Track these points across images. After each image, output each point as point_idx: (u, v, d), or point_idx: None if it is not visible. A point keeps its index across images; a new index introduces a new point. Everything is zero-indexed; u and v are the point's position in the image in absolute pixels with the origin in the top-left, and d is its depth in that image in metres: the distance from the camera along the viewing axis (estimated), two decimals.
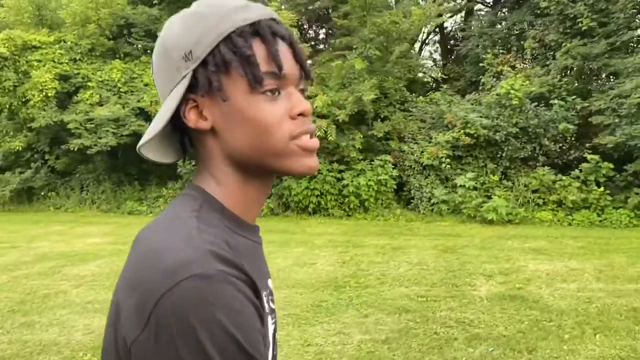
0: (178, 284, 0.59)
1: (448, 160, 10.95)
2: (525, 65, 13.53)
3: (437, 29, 18.14)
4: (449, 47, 19.00)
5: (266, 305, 0.71)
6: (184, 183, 13.66)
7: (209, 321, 0.58)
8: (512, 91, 10.55)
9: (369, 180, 11.14)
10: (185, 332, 0.58)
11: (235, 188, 0.75)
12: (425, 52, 20.30)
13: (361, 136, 11.05)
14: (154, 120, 0.74)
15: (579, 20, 11.75)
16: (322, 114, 10.57)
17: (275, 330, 0.79)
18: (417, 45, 17.82)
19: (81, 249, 8.65)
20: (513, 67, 13.63)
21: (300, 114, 0.73)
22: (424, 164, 11.25)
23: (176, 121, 0.74)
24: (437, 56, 20.68)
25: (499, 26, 15.33)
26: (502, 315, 4.88)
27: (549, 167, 10.86)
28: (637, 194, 9.76)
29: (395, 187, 11.51)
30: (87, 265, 7.36)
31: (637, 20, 9.93)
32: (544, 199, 10.56)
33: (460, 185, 10.60)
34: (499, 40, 14.76)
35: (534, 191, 10.71)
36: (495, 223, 10.06)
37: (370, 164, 11.41)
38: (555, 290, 5.64)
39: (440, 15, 12.94)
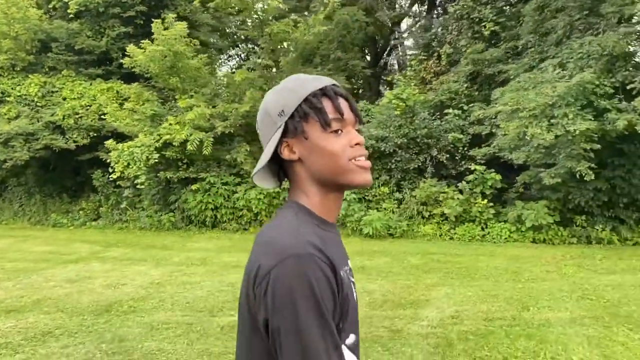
0: (282, 261, 0.93)
1: None
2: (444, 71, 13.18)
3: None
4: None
5: (346, 278, 1.02)
6: (101, 196, 13.74)
7: (300, 286, 0.91)
8: (394, 101, 10.24)
9: (259, 193, 10.97)
10: (284, 292, 0.91)
11: (319, 199, 1.08)
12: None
13: (247, 149, 10.87)
14: (260, 159, 1.10)
15: (483, 24, 11.39)
16: (200, 126, 10.44)
17: (356, 296, 1.10)
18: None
19: None
20: (436, 74, 13.34)
21: (357, 144, 1.07)
22: None
23: (275, 158, 1.11)
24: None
25: (427, 33, 14.97)
26: None
27: (438, 179, 10.52)
28: (522, 207, 9.31)
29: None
30: None
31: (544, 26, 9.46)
32: (430, 211, 10.22)
33: (343, 199, 10.32)
34: (423, 47, 14.41)
35: (422, 204, 10.37)
36: (375, 237, 9.80)
37: None
38: None
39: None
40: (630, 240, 8.73)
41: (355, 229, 10.13)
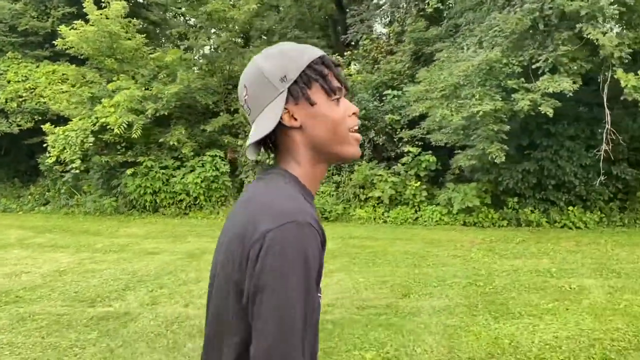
0: (282, 225, 0.88)
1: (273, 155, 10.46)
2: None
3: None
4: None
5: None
6: (48, 181, 13.54)
7: (296, 254, 0.87)
8: None
9: (197, 177, 10.79)
10: (279, 257, 0.87)
11: (309, 168, 1.05)
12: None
13: (182, 131, 10.64)
14: (259, 126, 1.02)
15: (427, 1, 11.08)
16: (134, 108, 10.19)
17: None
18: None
19: None
20: (387, 54, 13.04)
21: (354, 114, 1.07)
22: (255, 160, 10.81)
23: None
24: None
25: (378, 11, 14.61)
26: None
27: (378, 162, 10.33)
28: (453, 190, 9.14)
29: (229, 183, 11.14)
30: None
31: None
32: (367, 195, 10.05)
33: None
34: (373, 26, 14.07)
35: (360, 187, 10.21)
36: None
37: (202, 161, 11.04)
38: None
39: None
40: (559, 222, 8.59)
41: None
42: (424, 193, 9.54)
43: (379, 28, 14.39)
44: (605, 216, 8.66)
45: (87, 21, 10.96)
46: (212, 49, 11.24)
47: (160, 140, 10.68)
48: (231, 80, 12.03)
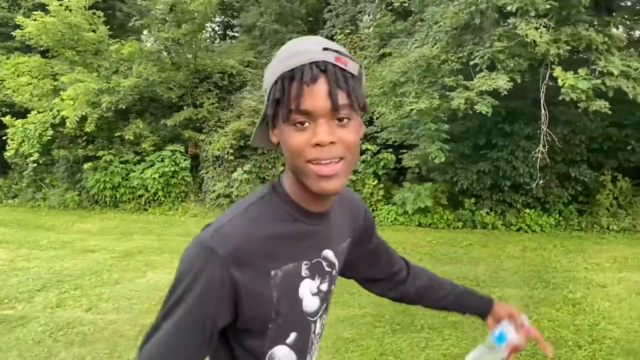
0: (192, 241, 0.93)
1: (231, 151, 10.26)
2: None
3: None
4: None
5: (288, 278, 0.98)
6: (16, 173, 13.41)
7: (185, 272, 0.90)
8: None
9: (155, 172, 10.59)
10: (178, 271, 0.92)
11: (297, 185, 0.97)
12: None
13: (140, 126, 10.44)
14: (256, 133, 1.04)
15: None
16: (90, 101, 9.99)
17: (321, 288, 1.08)
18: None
19: None
20: (361, 49, 12.74)
21: (317, 144, 0.89)
22: (215, 156, 10.60)
23: None
24: None
25: (356, 6, 14.26)
26: None
27: None
28: (408, 189, 8.87)
29: (189, 179, 10.94)
30: None
31: None
32: None
33: (234, 179, 9.94)
34: (350, 20, 13.74)
35: None
36: None
37: (161, 155, 10.83)
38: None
39: None
40: (515, 225, 8.30)
41: None
42: (381, 192, 9.28)
43: (360, 23, 14.05)
44: (563, 219, 8.35)
45: (47, 12, 10.76)
46: (175, 42, 10.98)
47: (119, 134, 10.48)
48: (197, 74, 11.82)
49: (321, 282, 1.07)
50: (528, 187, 8.23)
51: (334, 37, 13.32)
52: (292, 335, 1.03)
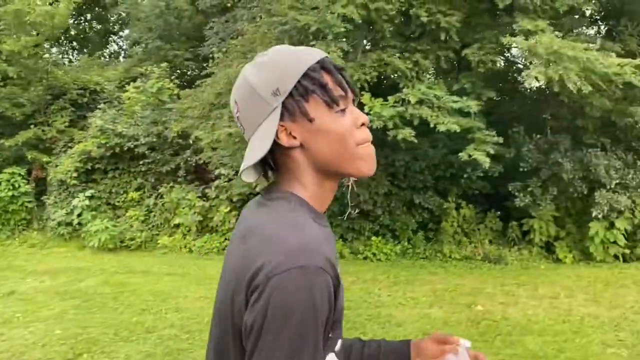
0: (287, 270, 0.77)
1: (75, 174, 9.41)
2: None
3: None
4: None
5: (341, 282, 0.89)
6: None
7: (301, 304, 0.76)
8: (135, 96, 9.11)
9: None
10: (283, 306, 0.76)
11: (315, 188, 0.93)
12: None
13: None
14: (253, 148, 0.90)
15: None
16: None
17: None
18: None
19: None
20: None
21: (362, 124, 0.93)
22: (60, 180, 9.69)
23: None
24: None
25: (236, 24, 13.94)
26: None
27: (198, 184, 9.50)
28: None
29: (31, 205, 9.96)
30: None
31: None
32: (169, 221, 9.19)
33: (74, 206, 9.11)
34: (229, 38, 13.36)
35: (171, 212, 9.33)
36: (105, 249, 8.66)
37: None
38: None
39: None
40: (362, 254, 8.05)
41: (85, 238, 8.91)
42: (233, 220, 8.79)
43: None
44: (412, 247, 8.23)
45: None
46: (22, 56, 10.05)
47: None
48: (50, 90, 10.92)
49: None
50: (375, 214, 8.05)
51: (213, 56, 12.86)
52: (339, 343, 0.93)
